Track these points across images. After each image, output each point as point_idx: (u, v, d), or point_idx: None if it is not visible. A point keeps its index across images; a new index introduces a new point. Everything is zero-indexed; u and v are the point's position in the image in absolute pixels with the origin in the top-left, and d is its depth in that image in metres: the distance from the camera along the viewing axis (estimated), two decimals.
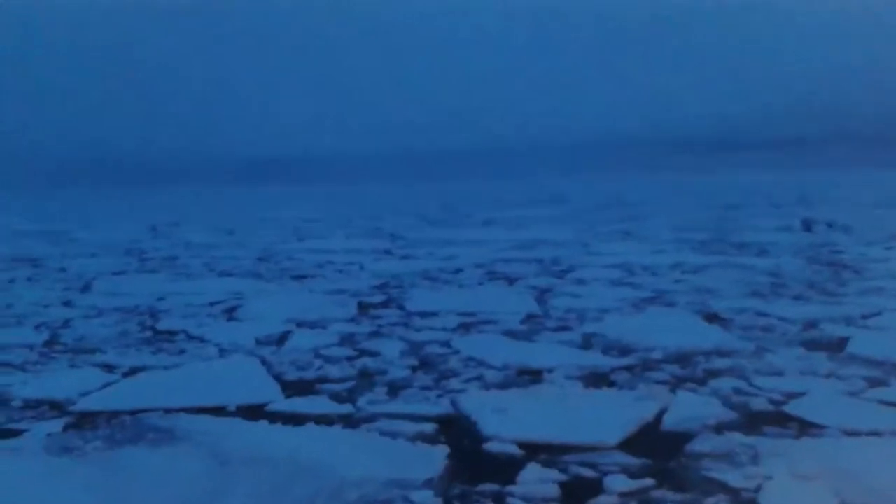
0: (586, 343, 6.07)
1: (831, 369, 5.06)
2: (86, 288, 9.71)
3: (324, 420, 4.23)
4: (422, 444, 3.84)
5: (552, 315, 7.18)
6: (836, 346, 5.68)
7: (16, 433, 4.06)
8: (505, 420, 4.13)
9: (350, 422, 4.21)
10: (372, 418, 4.25)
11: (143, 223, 25.39)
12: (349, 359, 5.63)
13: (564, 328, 6.60)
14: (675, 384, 4.85)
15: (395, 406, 4.47)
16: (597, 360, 5.54)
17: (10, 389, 4.86)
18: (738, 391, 4.65)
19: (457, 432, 4.05)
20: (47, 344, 6.29)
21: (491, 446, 3.83)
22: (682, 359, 5.47)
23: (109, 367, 5.47)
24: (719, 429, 4.00)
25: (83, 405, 4.54)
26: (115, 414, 4.35)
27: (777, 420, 4.13)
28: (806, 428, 4.00)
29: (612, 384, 4.92)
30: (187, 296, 8.77)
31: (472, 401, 4.47)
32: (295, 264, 11.95)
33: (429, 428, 4.08)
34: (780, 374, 5.01)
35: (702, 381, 4.89)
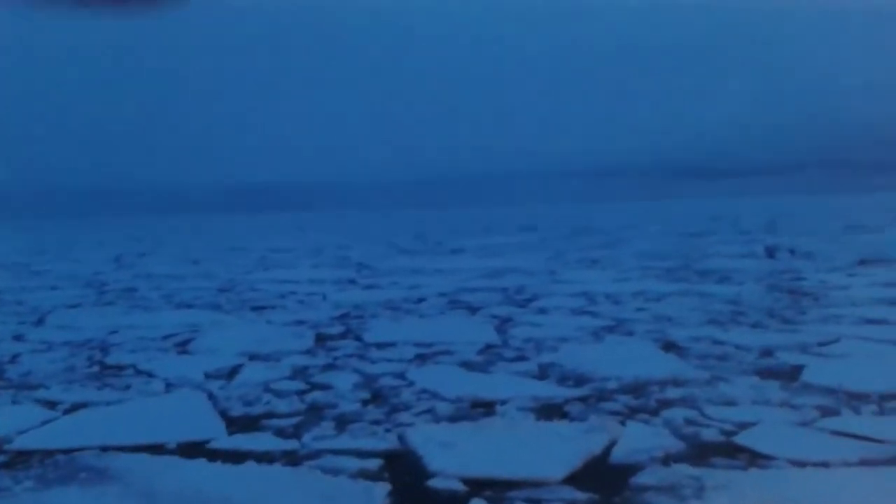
0: (542, 373, 6.00)
1: (784, 398, 5.02)
2: (39, 322, 9.49)
3: (265, 458, 4.10)
4: (363, 481, 3.72)
5: (510, 345, 7.11)
6: (791, 375, 5.66)
7: None
8: (451, 455, 4.04)
9: (292, 459, 4.09)
10: (315, 455, 4.13)
11: (109, 254, 25.04)
12: (299, 393, 5.50)
13: (521, 358, 6.53)
14: (628, 415, 4.79)
15: (341, 441, 4.35)
16: (551, 390, 5.47)
17: None
18: (689, 421, 4.60)
19: (401, 468, 3.95)
20: None
21: (435, 482, 3.73)
22: (637, 388, 5.42)
23: (51, 404, 5.29)
24: (667, 461, 3.94)
25: (19, 443, 4.37)
26: (49, 453, 4.19)
27: (726, 451, 4.08)
28: (755, 459, 3.94)
29: (565, 415, 4.84)
30: (141, 329, 8.59)
31: (419, 435, 4.37)
32: (257, 295, 11.79)
33: (373, 464, 3.97)
34: (732, 403, 4.97)
35: (654, 412, 4.84)
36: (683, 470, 3.77)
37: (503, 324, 8.32)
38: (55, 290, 13.46)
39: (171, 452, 4.24)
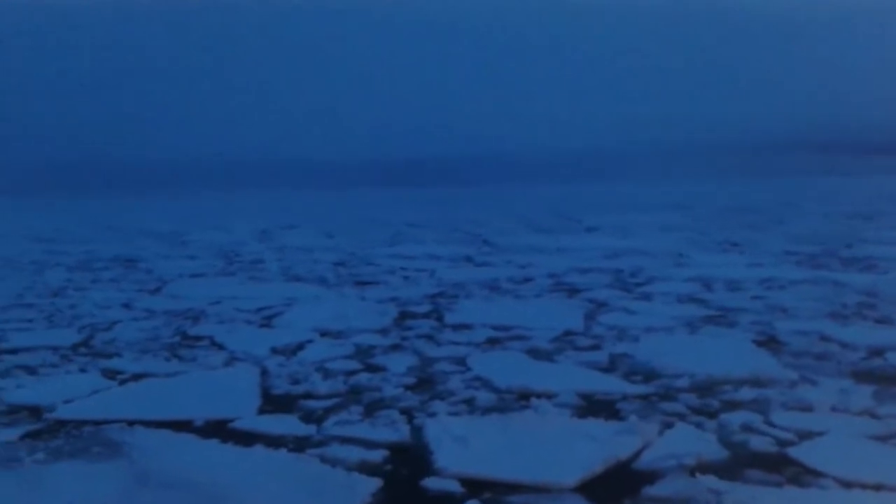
0: (611, 365, 5.59)
1: (869, 407, 4.37)
2: (156, 290, 10.00)
3: (275, 442, 4.02)
4: (357, 475, 3.55)
5: (591, 332, 6.69)
6: (891, 380, 4.93)
7: None
8: (461, 451, 3.79)
9: (300, 445, 3.98)
10: (324, 442, 4.01)
11: (258, 225, 26.27)
12: (349, 373, 5.41)
13: (595, 348, 6.11)
14: (682, 416, 4.34)
15: (359, 429, 4.20)
16: (611, 385, 5.06)
17: (1, 393, 4.95)
18: (746, 428, 4.10)
19: (404, 462, 3.74)
20: (75, 346, 6.43)
21: (431, 481, 3.49)
22: (707, 388, 4.91)
23: (113, 374, 5.49)
24: (695, 471, 3.50)
25: (59, 413, 4.54)
26: (80, 424, 4.32)
27: (771, 464, 3.58)
28: (799, 475, 3.43)
29: (614, 414, 4.45)
30: (242, 300, 8.83)
31: (436, 427, 4.13)
32: (369, 270, 11.88)
33: (378, 456, 3.79)
34: (807, 409, 4.39)
35: (713, 414, 4.36)
36: (707, 482, 3.34)
37: (597, 309, 7.88)
38: (192, 260, 14.21)
39: (194, 430, 4.25)
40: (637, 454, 3.75)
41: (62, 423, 4.34)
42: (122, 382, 5.26)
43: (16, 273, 12.30)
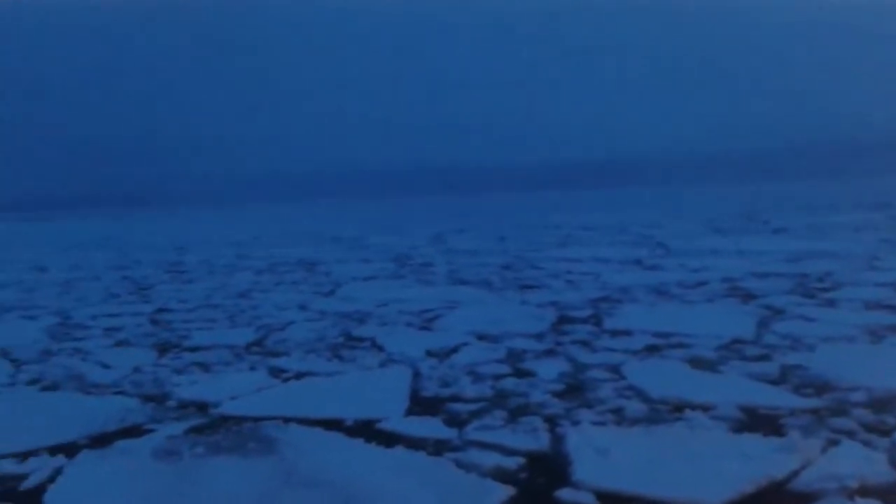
0: (781, 377, 5.18)
1: None
2: (330, 292, 10.48)
3: (416, 444, 4.06)
4: (490, 481, 3.51)
5: (763, 341, 6.26)
6: None
7: (144, 432, 4.43)
8: (601, 463, 3.65)
9: (439, 448, 3.99)
10: (463, 446, 4.00)
11: (432, 230, 26.92)
12: (498, 377, 5.38)
13: (764, 358, 5.70)
14: (852, 434, 3.94)
15: (499, 435, 4.15)
16: (778, 398, 4.69)
17: (176, 389, 5.35)
18: None
19: (540, 472, 3.66)
20: (249, 346, 6.85)
21: (565, 492, 3.39)
22: (885, 403, 4.44)
23: (279, 372, 5.80)
24: (856, 493, 3.16)
25: (224, 408, 4.84)
26: (241, 420, 4.58)
27: None
28: None
29: (776, 429, 4.13)
30: (408, 303, 9.06)
31: (578, 437, 4.01)
32: (533, 273, 11.82)
33: (514, 463, 3.73)
34: None
35: (888, 432, 3.93)
36: None
37: (772, 316, 7.36)
38: (366, 263, 14.79)
39: (343, 429, 4.38)
40: (794, 474, 3.44)
41: (225, 419, 4.62)
42: (286, 381, 5.53)
43: (209, 276, 13.35)
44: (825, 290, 8.99)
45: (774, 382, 5.08)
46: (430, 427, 4.36)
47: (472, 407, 4.71)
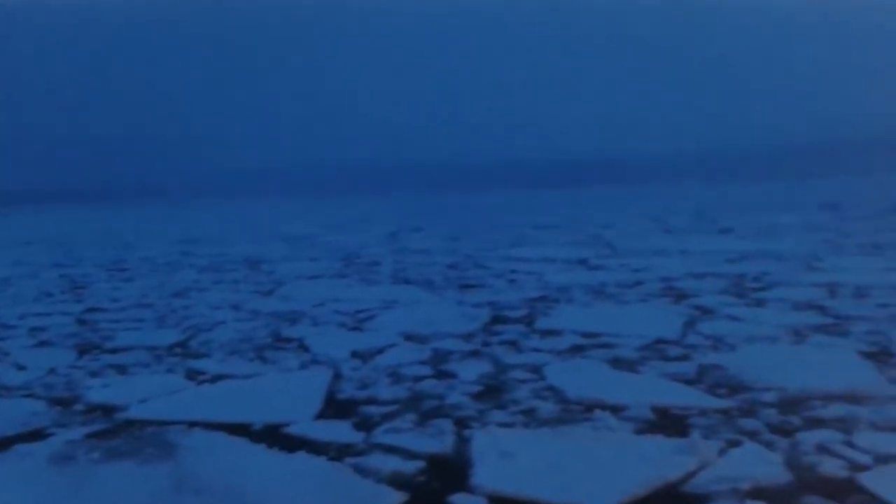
0: (697, 377, 5.22)
1: None
2: (269, 292, 10.34)
3: (318, 448, 4.00)
4: (384, 487, 3.46)
5: (685, 342, 6.30)
6: None
7: (44, 436, 4.31)
8: (502, 467, 3.62)
9: (341, 453, 3.93)
10: (366, 451, 3.94)
11: (388, 229, 26.79)
12: (417, 379, 5.34)
13: (684, 358, 5.74)
14: (756, 434, 3.98)
15: (405, 438, 4.11)
16: (690, 398, 4.72)
17: (87, 392, 5.22)
18: (822, 448, 3.69)
19: (440, 475, 3.62)
20: (171, 347, 6.72)
21: (458, 498, 3.35)
22: (795, 403, 4.49)
23: (195, 374, 5.68)
24: (747, 495, 3.18)
25: (130, 413, 4.73)
26: (145, 424, 4.47)
27: (835, 490, 3.20)
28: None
29: (682, 430, 4.14)
30: (344, 303, 8.98)
31: (484, 440, 3.98)
32: (477, 273, 11.80)
33: (413, 467, 3.69)
34: None
35: (790, 433, 3.97)
36: None
37: (700, 315, 7.43)
38: (312, 262, 14.64)
39: (249, 434, 4.30)
40: (690, 475, 3.45)
41: (129, 424, 4.51)
42: (200, 383, 5.43)
43: (149, 274, 13.11)
44: (758, 290, 9.10)
45: (690, 382, 5.12)
46: (338, 431, 4.29)
47: (385, 409, 4.66)
